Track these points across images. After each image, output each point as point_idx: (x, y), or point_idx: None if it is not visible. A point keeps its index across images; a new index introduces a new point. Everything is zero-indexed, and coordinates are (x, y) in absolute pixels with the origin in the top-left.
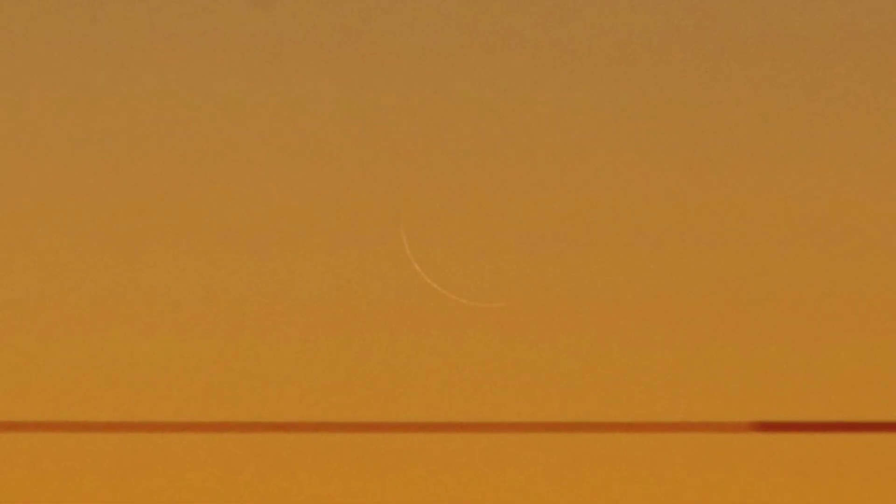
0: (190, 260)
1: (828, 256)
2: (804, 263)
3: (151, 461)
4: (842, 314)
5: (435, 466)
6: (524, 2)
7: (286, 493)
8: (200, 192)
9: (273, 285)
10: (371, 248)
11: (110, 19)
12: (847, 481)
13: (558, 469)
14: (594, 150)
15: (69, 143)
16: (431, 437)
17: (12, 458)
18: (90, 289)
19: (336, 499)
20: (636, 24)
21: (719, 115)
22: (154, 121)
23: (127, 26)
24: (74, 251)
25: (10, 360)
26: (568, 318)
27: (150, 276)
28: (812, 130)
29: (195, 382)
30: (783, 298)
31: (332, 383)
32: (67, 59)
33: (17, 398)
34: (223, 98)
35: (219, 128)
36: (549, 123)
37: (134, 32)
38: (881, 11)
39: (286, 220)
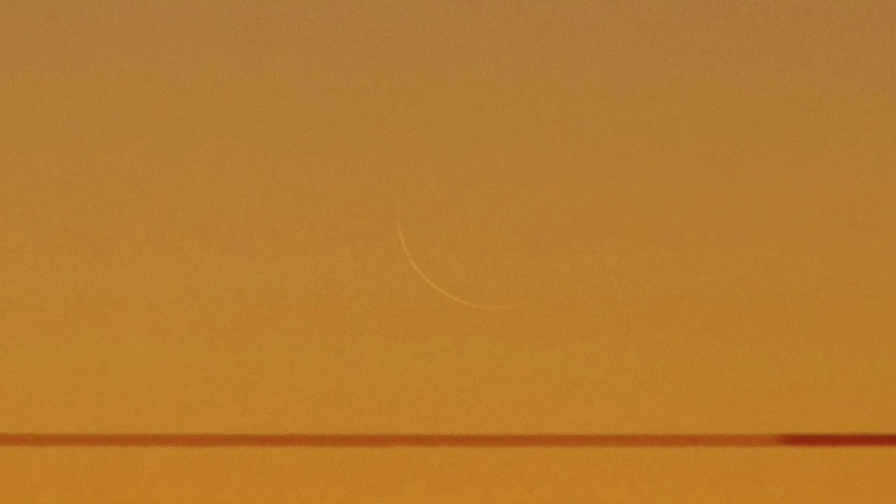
0: (166, 258)
1: (861, 262)
2: (835, 269)
3: (125, 478)
4: (875, 321)
5: (434, 484)
6: None
7: None
8: (180, 185)
9: (257, 286)
10: (363, 245)
11: (77, 4)
12: (881, 498)
13: (570, 486)
14: (611, 139)
15: (38, 134)
16: (430, 451)
17: None
18: (58, 290)
19: None
20: (642, 17)
21: (740, 109)
22: (132, 110)
23: (94, 11)
24: (41, 249)
25: None
26: (580, 322)
27: (122, 275)
28: (838, 119)
29: (172, 392)
30: (812, 305)
31: (321, 393)
32: (34, 49)
33: None
34: (207, 86)
35: (202, 117)
36: (561, 111)
37: (101, 19)
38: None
39: (271, 214)
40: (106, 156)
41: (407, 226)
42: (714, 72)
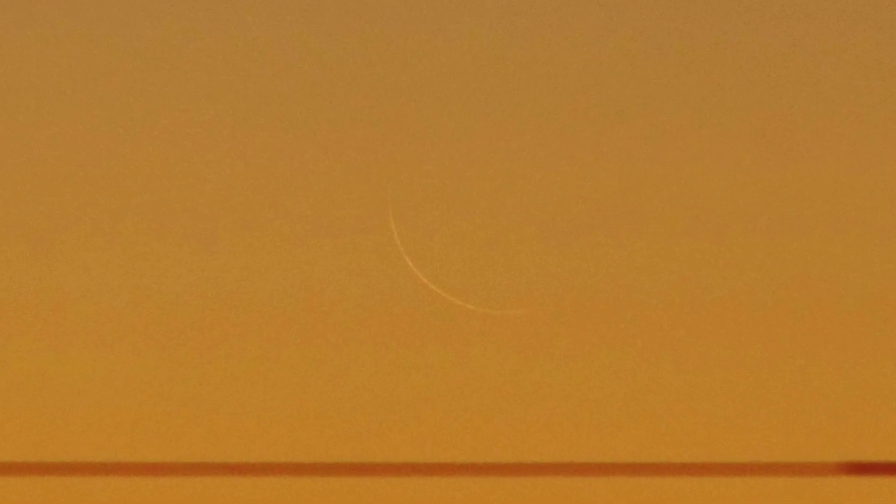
0: (116, 253)
1: None
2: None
3: None
4: None
5: None
6: None
7: None
8: (137, 169)
9: (227, 288)
10: (351, 239)
11: None
12: None
13: None
14: (636, 130)
15: None
16: (428, 482)
17: None
18: None
19: None
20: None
21: (776, 101)
22: (87, 82)
23: None
24: None
25: None
26: (606, 329)
27: (63, 275)
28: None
29: (124, 413)
30: (880, 322)
31: (302, 413)
32: None
33: None
34: (179, 59)
35: (170, 93)
36: (582, 99)
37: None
38: None
39: (243, 204)
40: (45, 132)
41: (400, 217)
42: (732, 75)
